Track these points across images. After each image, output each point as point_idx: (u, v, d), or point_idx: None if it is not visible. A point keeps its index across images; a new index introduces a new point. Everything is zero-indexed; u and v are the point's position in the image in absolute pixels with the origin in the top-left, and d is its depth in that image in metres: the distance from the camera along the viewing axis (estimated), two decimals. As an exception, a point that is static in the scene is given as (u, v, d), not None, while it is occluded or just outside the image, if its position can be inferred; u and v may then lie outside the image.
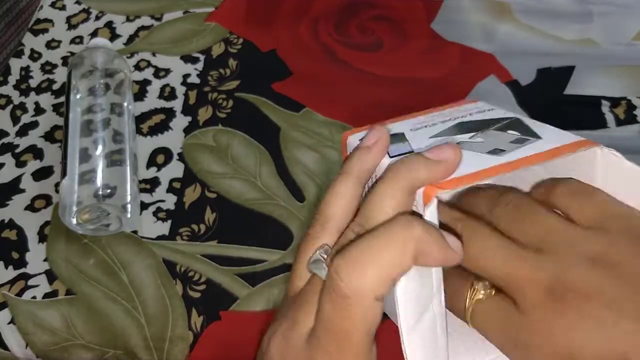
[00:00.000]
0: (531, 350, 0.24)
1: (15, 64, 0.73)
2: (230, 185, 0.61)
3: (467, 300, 0.26)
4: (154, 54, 0.73)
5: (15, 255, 0.56)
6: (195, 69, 0.71)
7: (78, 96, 0.61)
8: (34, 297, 0.54)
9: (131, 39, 0.75)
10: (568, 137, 0.28)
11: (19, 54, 0.74)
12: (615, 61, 0.71)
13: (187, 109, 0.67)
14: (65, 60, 0.73)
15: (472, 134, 0.29)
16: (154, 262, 0.55)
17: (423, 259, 0.24)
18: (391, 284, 0.24)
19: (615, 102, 0.67)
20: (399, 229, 0.24)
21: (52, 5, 0.80)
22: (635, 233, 0.24)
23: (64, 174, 0.55)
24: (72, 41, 0.75)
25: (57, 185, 0.61)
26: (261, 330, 0.51)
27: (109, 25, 0.77)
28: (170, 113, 0.67)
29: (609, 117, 0.65)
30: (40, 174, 0.62)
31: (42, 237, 0.57)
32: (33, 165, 0.63)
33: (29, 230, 0.58)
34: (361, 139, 0.29)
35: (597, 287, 0.23)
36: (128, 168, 0.57)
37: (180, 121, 0.66)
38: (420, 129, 0.31)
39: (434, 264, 0.24)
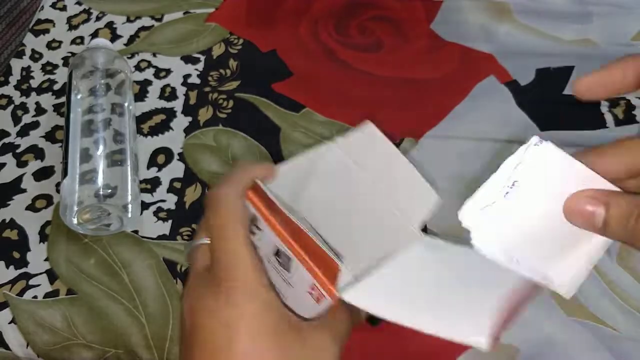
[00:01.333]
0: None
1: (16, 65, 0.73)
2: (231, 185, 0.61)
3: None
4: (154, 55, 0.73)
5: (16, 255, 0.57)
6: (196, 70, 0.71)
7: (79, 96, 0.61)
8: (35, 297, 0.54)
9: (132, 39, 0.75)
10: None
11: (19, 55, 0.74)
12: (614, 61, 0.71)
13: (187, 109, 0.67)
14: (66, 61, 0.73)
15: None
16: (154, 262, 0.56)
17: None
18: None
19: (614, 102, 0.67)
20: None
21: (53, 5, 0.80)
22: None
23: (64, 174, 0.56)
24: (73, 42, 0.75)
25: (58, 185, 0.61)
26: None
27: (110, 25, 0.77)
28: (170, 113, 0.67)
29: (608, 117, 0.66)
30: (41, 174, 0.62)
31: (43, 237, 0.58)
32: (34, 165, 0.63)
33: (30, 230, 0.58)
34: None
35: None
36: (129, 168, 0.57)
37: (181, 121, 0.66)
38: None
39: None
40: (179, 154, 0.63)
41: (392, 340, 0.50)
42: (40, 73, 0.72)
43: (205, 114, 0.67)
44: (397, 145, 0.64)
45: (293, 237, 0.32)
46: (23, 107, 0.68)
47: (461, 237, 0.58)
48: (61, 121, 0.64)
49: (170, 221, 0.58)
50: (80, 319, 0.52)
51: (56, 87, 0.70)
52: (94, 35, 0.76)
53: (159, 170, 0.62)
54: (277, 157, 0.63)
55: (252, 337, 0.30)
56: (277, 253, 0.33)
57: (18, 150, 0.64)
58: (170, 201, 0.60)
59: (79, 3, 0.80)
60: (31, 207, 0.60)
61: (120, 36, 0.75)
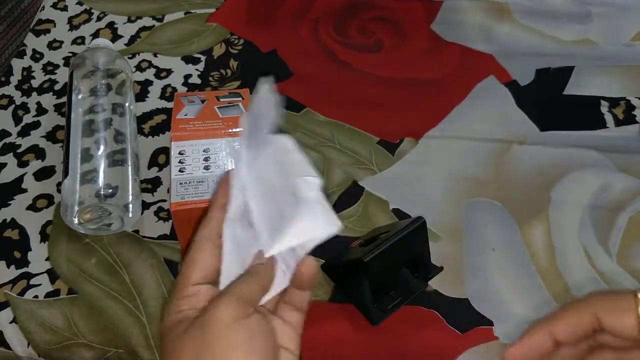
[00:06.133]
0: None
1: (17, 65, 0.73)
2: (231, 185, 0.61)
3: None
4: (155, 55, 0.73)
5: (17, 254, 0.57)
6: (197, 70, 0.71)
7: (80, 96, 0.61)
8: (36, 297, 0.54)
9: (132, 39, 0.75)
10: None
11: (20, 55, 0.74)
12: (614, 61, 0.71)
13: (188, 109, 0.67)
14: (66, 61, 0.73)
15: None
16: (155, 262, 0.56)
17: None
18: None
19: (614, 102, 0.67)
20: None
21: (54, 6, 0.80)
22: None
23: (65, 173, 0.56)
24: (74, 42, 0.75)
25: (58, 185, 0.61)
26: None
27: (111, 25, 0.77)
28: (171, 113, 0.67)
29: (608, 118, 0.66)
30: (42, 174, 0.62)
31: (44, 237, 0.58)
32: (35, 165, 0.63)
33: (30, 229, 0.58)
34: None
35: None
36: (129, 168, 0.57)
37: (181, 121, 0.66)
38: None
39: None
40: (180, 154, 0.63)
41: (391, 340, 0.50)
42: (41, 73, 0.72)
43: (205, 114, 0.67)
44: (397, 145, 0.64)
45: None
46: (24, 107, 0.68)
47: (460, 235, 0.58)
48: (62, 121, 0.64)
49: (170, 221, 0.58)
50: (81, 319, 0.52)
51: (57, 87, 0.70)
52: (95, 35, 0.76)
53: (160, 170, 0.62)
54: (278, 157, 0.63)
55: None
56: None
57: (19, 150, 0.64)
58: (171, 201, 0.60)
59: (80, 3, 0.80)
60: (32, 207, 0.60)
61: (121, 36, 0.76)
